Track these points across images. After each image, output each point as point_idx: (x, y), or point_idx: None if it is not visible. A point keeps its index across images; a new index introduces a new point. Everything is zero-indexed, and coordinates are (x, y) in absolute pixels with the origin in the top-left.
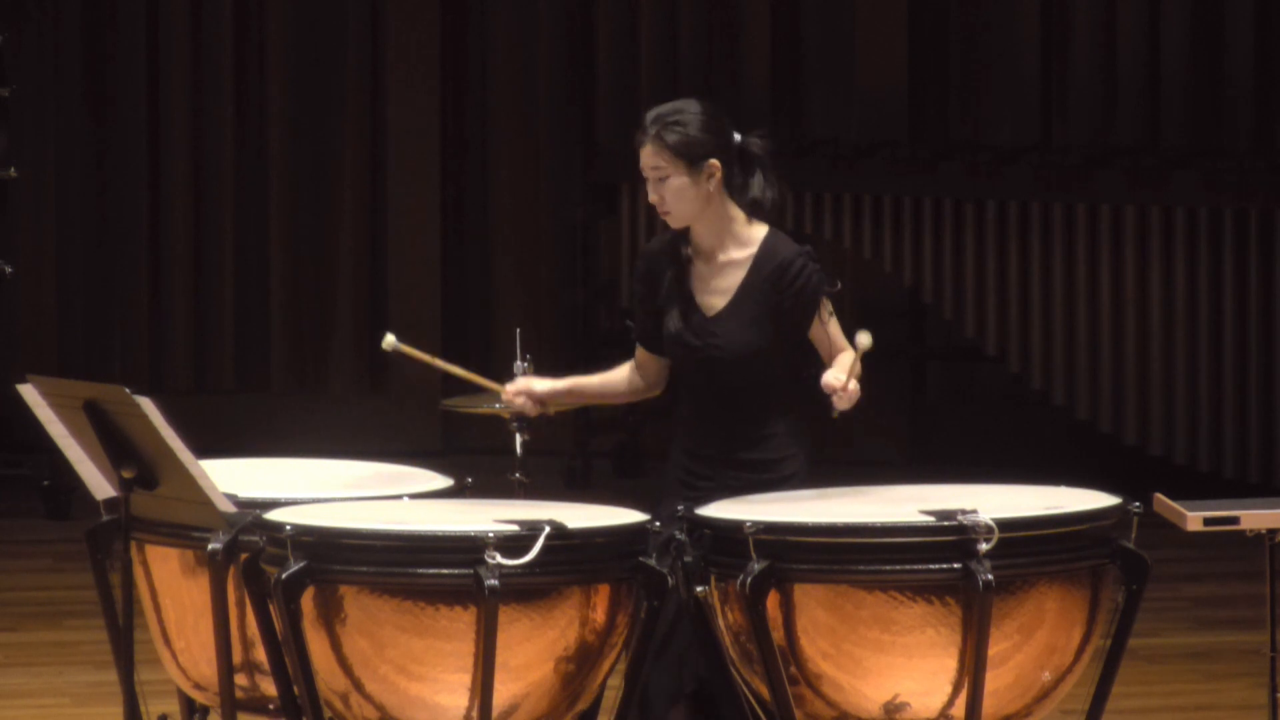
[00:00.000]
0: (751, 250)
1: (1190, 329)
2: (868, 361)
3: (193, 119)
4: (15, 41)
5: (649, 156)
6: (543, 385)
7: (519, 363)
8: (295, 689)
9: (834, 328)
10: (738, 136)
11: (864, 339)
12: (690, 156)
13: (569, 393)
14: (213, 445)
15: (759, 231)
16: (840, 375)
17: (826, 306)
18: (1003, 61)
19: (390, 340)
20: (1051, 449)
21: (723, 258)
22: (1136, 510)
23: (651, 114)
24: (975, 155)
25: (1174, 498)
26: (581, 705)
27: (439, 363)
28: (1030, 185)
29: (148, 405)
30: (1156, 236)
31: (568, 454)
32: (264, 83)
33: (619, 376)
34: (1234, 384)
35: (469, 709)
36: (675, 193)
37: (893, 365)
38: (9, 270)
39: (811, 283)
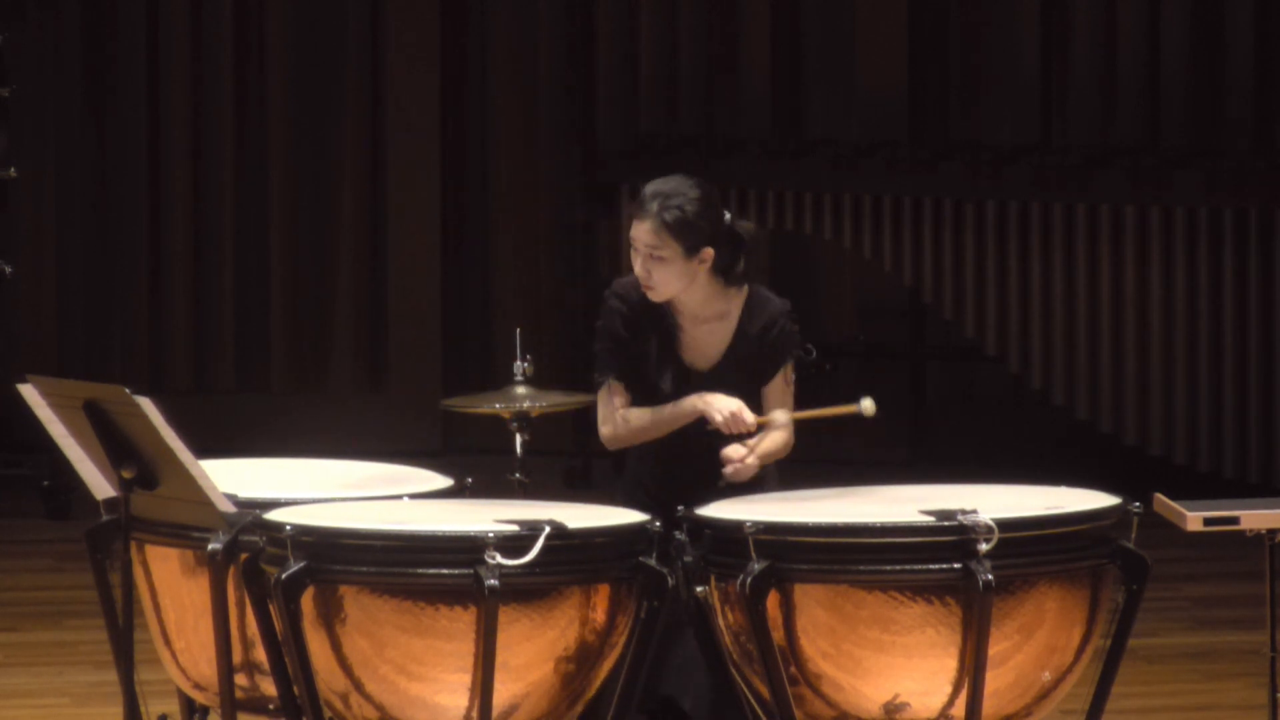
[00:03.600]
0: (737, 309)
1: (1190, 329)
2: (868, 362)
3: (193, 119)
4: (15, 41)
5: (646, 234)
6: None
7: (519, 363)
8: (295, 689)
9: (786, 389)
10: (727, 216)
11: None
12: (687, 241)
13: None
14: (213, 445)
15: (740, 292)
16: (742, 450)
17: (790, 369)
18: (1003, 61)
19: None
20: (1051, 449)
21: (706, 319)
22: (1136, 510)
23: (650, 189)
24: (975, 155)
25: (1174, 498)
26: (581, 705)
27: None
28: (1030, 185)
29: (148, 405)
30: (1156, 236)
31: (568, 454)
32: (264, 83)
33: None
34: (1234, 384)
35: (469, 709)
36: (665, 272)
37: (893, 365)
38: (9, 270)
39: (785, 343)
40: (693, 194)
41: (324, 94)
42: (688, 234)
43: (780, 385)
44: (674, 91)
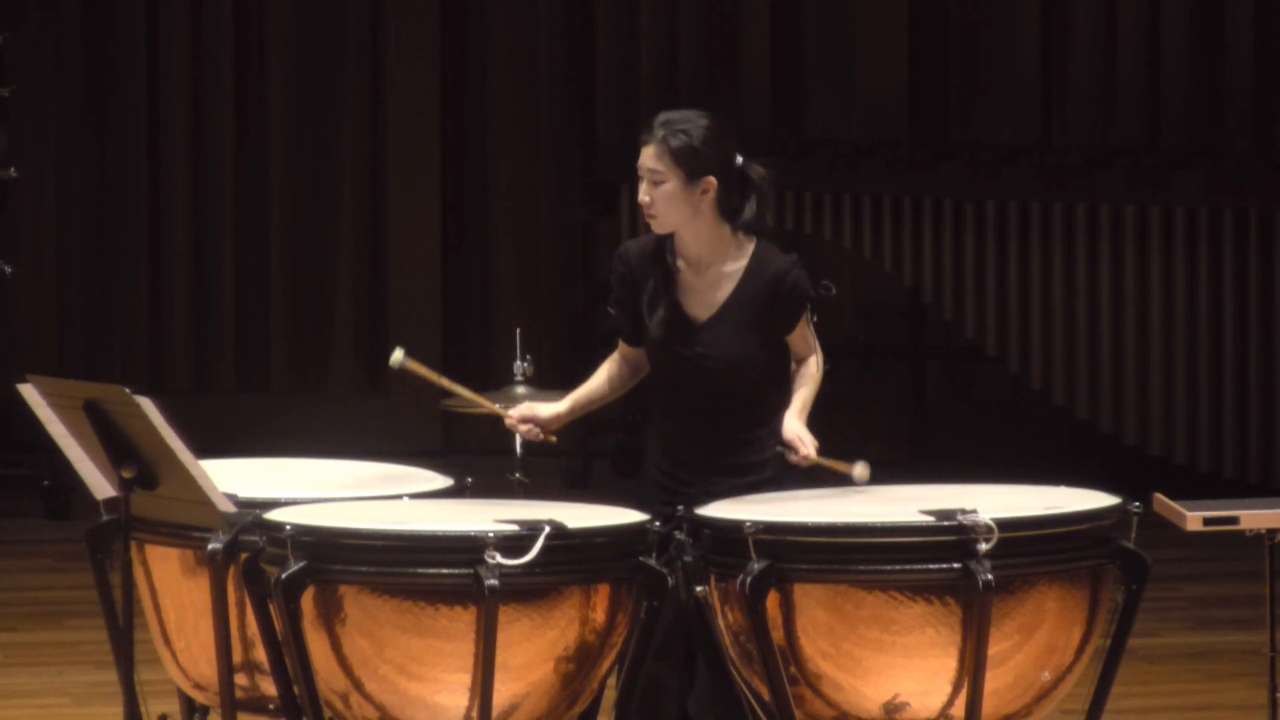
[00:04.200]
0: (742, 262)
1: (1190, 329)
2: (868, 362)
3: (193, 119)
4: (15, 41)
5: (649, 158)
6: (547, 411)
7: (519, 363)
8: (295, 689)
9: (809, 330)
10: (740, 159)
11: (861, 471)
12: (689, 167)
13: (570, 412)
14: (213, 445)
15: (748, 243)
16: (805, 435)
17: (809, 314)
18: (1003, 61)
19: (399, 357)
20: (1051, 449)
21: (712, 268)
22: (1136, 510)
23: (661, 117)
24: (975, 155)
25: (1174, 498)
26: (581, 705)
27: (445, 382)
28: (1030, 185)
29: (148, 405)
30: (1156, 236)
31: (568, 454)
32: (264, 83)
33: (602, 379)
34: (1234, 384)
35: (469, 709)
36: (666, 198)
37: (893, 365)
38: (9, 270)
39: (800, 292)
40: (701, 122)
41: (324, 94)
42: (690, 160)
43: (802, 330)
44: (674, 91)
